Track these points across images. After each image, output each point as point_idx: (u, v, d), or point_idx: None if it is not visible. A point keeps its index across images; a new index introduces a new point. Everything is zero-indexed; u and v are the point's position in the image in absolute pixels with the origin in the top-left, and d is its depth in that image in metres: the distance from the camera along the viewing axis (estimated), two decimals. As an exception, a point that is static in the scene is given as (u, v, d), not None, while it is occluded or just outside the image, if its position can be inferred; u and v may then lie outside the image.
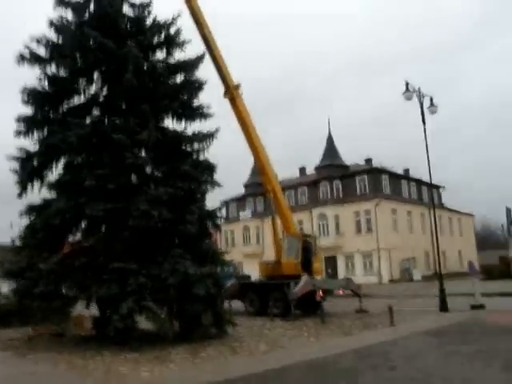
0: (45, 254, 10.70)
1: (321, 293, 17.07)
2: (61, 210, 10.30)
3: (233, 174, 36.41)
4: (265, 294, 18.02)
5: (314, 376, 7.47)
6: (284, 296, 16.89)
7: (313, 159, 58.25)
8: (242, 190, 52.51)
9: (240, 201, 51.91)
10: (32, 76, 12.15)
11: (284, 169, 56.64)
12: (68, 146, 10.76)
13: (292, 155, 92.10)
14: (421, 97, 17.88)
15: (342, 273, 39.85)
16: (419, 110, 18.01)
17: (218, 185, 12.53)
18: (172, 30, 12.73)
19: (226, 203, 51.00)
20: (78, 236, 11.66)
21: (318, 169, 47.35)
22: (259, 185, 51.09)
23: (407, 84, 17.74)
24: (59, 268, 10.26)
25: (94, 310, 12.00)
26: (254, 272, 22.83)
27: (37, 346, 10.97)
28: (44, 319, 14.85)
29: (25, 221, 11.49)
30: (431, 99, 18.14)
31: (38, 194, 11.84)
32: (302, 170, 52.51)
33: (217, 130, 12.53)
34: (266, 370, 7.82)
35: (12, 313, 15.49)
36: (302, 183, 46.55)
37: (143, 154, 11.67)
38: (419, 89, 17.91)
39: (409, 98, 17.84)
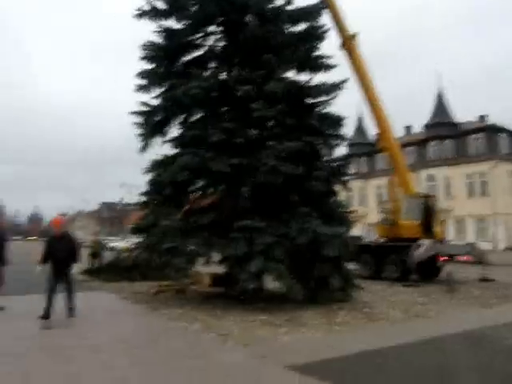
0: (170, 210, 10.57)
1: (443, 258, 15.93)
2: (186, 166, 9.99)
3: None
4: (381, 256, 17.14)
5: (480, 349, 6.53)
6: (403, 259, 15.93)
7: (417, 117, 54.88)
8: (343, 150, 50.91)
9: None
10: (149, 32, 11.95)
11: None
12: (191, 99, 10.35)
13: (395, 112, 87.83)
14: None
15: (451, 237, 37.50)
16: None
17: (345, 139, 11.63)
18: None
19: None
20: (202, 192, 11.45)
21: (427, 127, 44.37)
22: (363, 145, 49.87)
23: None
24: (185, 225, 10.07)
25: (212, 268, 11.88)
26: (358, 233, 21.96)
27: (165, 301, 11.02)
28: (166, 275, 15.23)
29: (149, 177, 11.43)
30: None
31: (160, 149, 11.75)
32: (408, 129, 49.75)
33: (343, 81, 11.52)
34: (417, 341, 7.02)
35: (133, 267, 16.02)
36: (410, 142, 43.86)
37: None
38: None
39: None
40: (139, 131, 11.59)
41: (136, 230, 11.32)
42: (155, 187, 11.10)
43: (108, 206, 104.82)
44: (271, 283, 10.74)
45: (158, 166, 10.95)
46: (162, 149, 11.89)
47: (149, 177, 11.39)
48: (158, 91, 11.95)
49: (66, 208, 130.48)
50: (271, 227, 9.77)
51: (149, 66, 11.94)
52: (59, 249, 8.06)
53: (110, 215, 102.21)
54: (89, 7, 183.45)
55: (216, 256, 10.94)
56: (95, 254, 16.50)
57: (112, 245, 50.71)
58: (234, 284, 11.04)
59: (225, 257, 10.76)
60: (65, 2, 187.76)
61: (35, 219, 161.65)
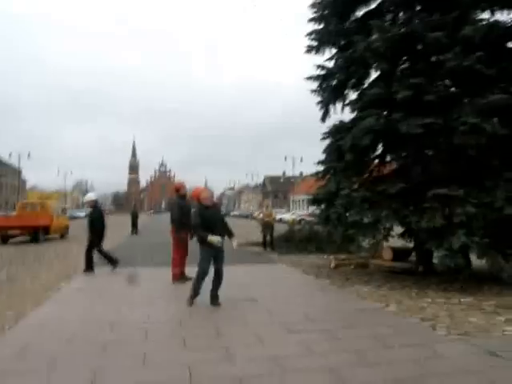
0: (353, 178, 9.74)
1: None
2: (370, 129, 8.99)
3: None
4: None
5: None
6: None
7: None
8: None
9: None
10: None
11: None
12: (373, 53, 9.25)
13: None
14: None
15: None
16: None
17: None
18: None
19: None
20: (387, 158, 10.40)
21: None
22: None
23: None
24: (372, 195, 9.14)
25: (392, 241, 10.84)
26: None
27: (347, 276, 10.34)
28: (342, 248, 14.56)
29: (326, 144, 10.72)
30: None
31: (341, 114, 10.93)
32: None
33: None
34: None
35: (308, 240, 15.65)
36: None
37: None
38: None
39: None
40: (318, 98, 10.89)
41: (315, 201, 10.74)
42: (334, 154, 10.33)
43: (271, 180, 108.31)
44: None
45: (337, 131, 10.14)
46: (338, 116, 11.13)
47: (326, 144, 10.70)
48: (330, 52, 11.11)
49: (232, 182, 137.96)
50: (471, 196, 8.36)
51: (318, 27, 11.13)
52: (213, 220, 7.27)
53: (274, 188, 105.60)
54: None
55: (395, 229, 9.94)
56: (268, 226, 16.45)
57: (279, 217, 52.31)
58: (422, 259, 9.92)
59: (407, 229, 9.64)
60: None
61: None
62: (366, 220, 9.01)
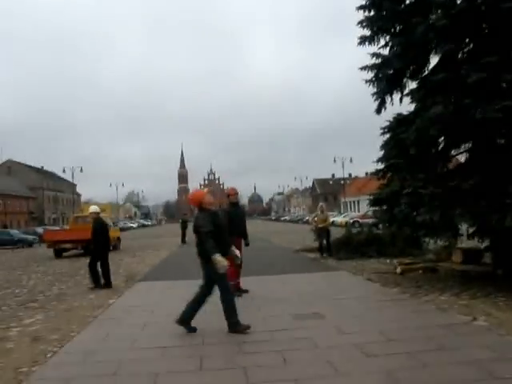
0: (419, 175, 8.77)
1: None
2: (438, 118, 8.02)
3: None
4: None
5: None
6: None
7: None
8: None
9: None
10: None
11: None
12: (437, 33, 8.29)
13: None
14: None
15: None
16: None
17: None
18: None
19: None
20: (455, 150, 9.37)
21: None
22: None
23: None
24: (442, 191, 8.14)
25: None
26: None
27: (417, 282, 9.36)
28: (405, 250, 13.51)
29: (384, 140, 9.80)
30: None
31: (399, 106, 9.99)
32: None
33: None
34: None
35: (367, 243, 14.67)
36: None
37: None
38: None
39: None
40: (373, 89, 9.98)
41: (376, 202, 9.83)
42: (395, 150, 9.38)
43: (320, 182, 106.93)
44: None
45: (398, 124, 9.21)
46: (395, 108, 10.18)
47: (383, 140, 9.79)
48: (385, 39, 10.17)
49: (281, 187, 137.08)
50: None
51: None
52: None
53: (323, 191, 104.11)
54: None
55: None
56: (324, 231, 15.53)
57: (332, 219, 50.88)
58: (502, 262, 8.83)
59: (481, 228, 8.57)
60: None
61: (255, 199, 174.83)
62: (436, 219, 8.05)
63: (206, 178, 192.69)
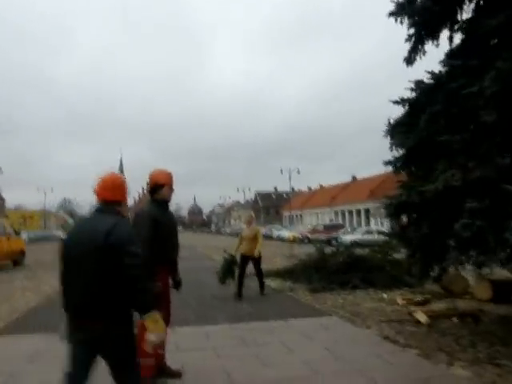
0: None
1: None
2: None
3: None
4: None
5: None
6: None
7: None
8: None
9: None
10: None
11: None
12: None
13: None
14: None
15: None
16: None
17: None
18: None
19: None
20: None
21: None
22: None
23: None
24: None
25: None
26: None
27: (464, 344, 5.61)
28: (398, 279, 10.20)
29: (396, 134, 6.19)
30: None
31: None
32: None
33: None
34: None
35: (349, 269, 10.93)
36: None
37: None
38: None
39: None
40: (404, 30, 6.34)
41: (401, 208, 6.06)
42: (432, 126, 5.71)
43: (263, 195, 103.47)
44: None
45: (452, 78, 5.51)
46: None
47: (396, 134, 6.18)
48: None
49: (222, 198, 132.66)
50: None
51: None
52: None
53: (265, 204, 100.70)
54: None
55: None
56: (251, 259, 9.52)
57: (277, 233, 47.14)
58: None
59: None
60: None
61: (195, 211, 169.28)
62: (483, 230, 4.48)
63: (144, 187, 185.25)
